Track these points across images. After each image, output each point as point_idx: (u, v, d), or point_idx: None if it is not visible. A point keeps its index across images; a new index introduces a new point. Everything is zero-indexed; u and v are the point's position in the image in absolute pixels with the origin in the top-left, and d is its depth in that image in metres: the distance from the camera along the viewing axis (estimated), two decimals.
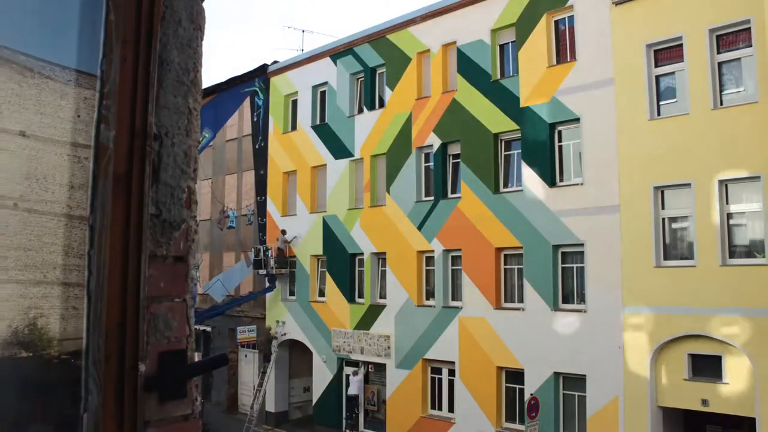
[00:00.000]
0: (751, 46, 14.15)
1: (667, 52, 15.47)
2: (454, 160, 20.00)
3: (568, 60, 17.35)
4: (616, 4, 16.22)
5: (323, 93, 24.46)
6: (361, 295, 22.47)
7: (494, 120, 18.67)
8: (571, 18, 17.40)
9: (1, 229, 1.16)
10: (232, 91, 28.09)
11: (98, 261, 1.23)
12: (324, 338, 23.26)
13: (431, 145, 20.44)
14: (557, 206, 17.04)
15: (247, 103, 27.80)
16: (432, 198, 20.32)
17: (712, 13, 14.54)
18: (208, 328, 28.30)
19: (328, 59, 24.15)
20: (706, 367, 14.47)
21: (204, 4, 1.50)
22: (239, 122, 28.38)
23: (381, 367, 21.66)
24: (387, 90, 21.99)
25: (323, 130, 24.09)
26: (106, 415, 1.22)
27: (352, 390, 21.90)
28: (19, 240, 1.18)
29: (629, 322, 15.56)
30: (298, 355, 25.15)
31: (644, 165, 15.42)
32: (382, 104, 22.30)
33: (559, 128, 17.46)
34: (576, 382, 16.69)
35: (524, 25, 18.18)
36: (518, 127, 18.11)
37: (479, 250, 18.67)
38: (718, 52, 14.67)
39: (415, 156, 20.84)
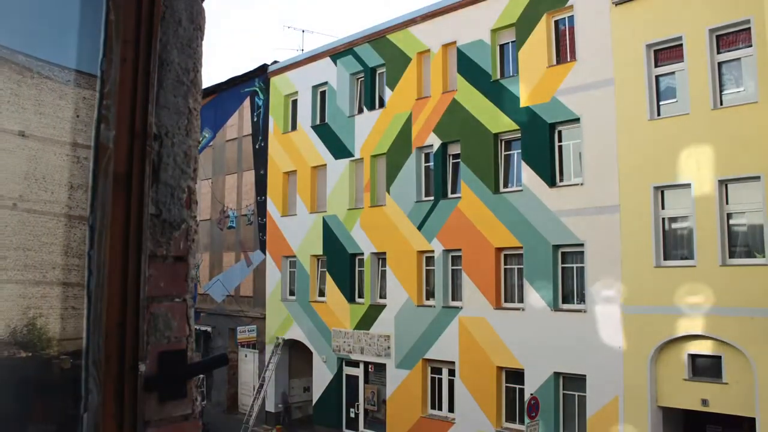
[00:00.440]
0: (751, 46, 14.14)
1: (667, 52, 15.46)
2: (454, 160, 19.99)
3: (568, 60, 17.34)
4: (616, 4, 16.21)
5: (323, 93, 24.45)
6: (361, 295, 22.47)
7: (494, 120, 18.67)
8: (571, 18, 17.40)
9: (0, 229, 1.15)
10: (232, 91, 28.09)
11: (98, 261, 1.23)
12: (324, 338, 23.26)
13: (431, 145, 20.43)
14: (557, 206, 17.04)
15: (247, 103, 27.79)
16: (432, 198, 20.32)
17: (712, 13, 14.52)
18: (208, 328, 28.31)
19: (328, 59, 24.14)
20: (706, 367, 14.47)
21: (204, 4, 1.50)
22: (239, 122, 28.37)
23: (381, 367, 21.66)
24: (387, 90, 21.98)
25: (323, 130, 24.08)
26: (106, 414, 1.22)
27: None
28: (19, 240, 1.18)
29: (629, 322, 15.55)
30: (298, 355, 25.15)
31: (644, 165, 15.40)
32: (382, 104, 22.29)
33: (559, 128, 17.46)
34: (576, 382, 16.69)
35: (524, 25, 18.18)
36: (518, 127, 18.10)
37: (479, 250, 18.66)
38: (718, 52, 14.65)
39: (415, 156, 20.83)
